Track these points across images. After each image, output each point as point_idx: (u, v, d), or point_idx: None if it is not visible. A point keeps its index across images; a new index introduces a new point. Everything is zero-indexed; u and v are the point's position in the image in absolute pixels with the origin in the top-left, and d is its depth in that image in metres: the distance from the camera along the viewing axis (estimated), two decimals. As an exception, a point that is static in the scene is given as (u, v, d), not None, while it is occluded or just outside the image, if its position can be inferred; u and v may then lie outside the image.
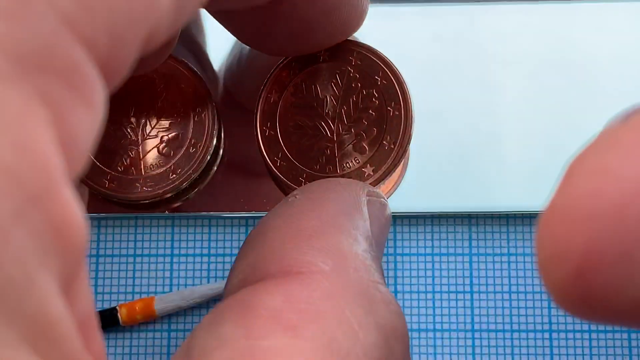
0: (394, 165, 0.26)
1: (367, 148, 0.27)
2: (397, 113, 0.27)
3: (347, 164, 0.26)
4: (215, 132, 0.27)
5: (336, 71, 0.27)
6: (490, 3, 0.29)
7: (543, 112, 0.28)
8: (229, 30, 0.23)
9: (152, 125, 0.27)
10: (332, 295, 0.16)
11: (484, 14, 0.29)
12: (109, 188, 0.27)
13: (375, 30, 0.29)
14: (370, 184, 0.26)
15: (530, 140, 0.28)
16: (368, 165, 0.26)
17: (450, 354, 0.27)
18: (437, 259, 0.28)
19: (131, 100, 0.27)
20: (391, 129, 0.27)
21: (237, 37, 0.22)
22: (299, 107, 0.27)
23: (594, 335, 0.27)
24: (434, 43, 0.29)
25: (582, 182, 0.14)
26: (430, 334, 0.28)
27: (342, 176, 0.26)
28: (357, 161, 0.26)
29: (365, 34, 0.29)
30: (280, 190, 0.27)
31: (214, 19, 0.22)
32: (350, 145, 0.27)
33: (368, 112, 0.27)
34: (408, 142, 0.26)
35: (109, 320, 0.27)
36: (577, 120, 0.28)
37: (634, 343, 0.27)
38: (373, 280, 0.18)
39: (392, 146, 0.26)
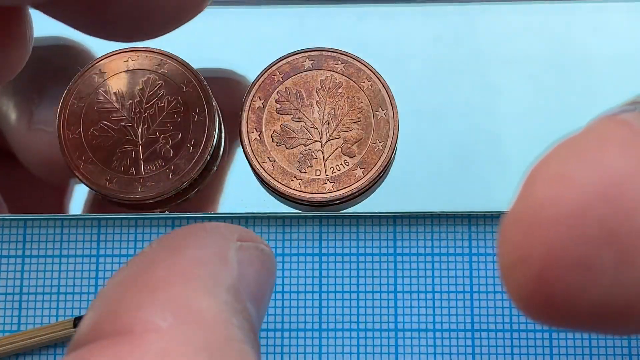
0: (385, 168, 0.27)
1: (356, 151, 0.27)
2: (384, 116, 0.27)
3: (337, 167, 0.27)
4: (215, 132, 0.27)
5: (321, 78, 0.27)
6: (490, 3, 0.29)
7: (543, 112, 0.28)
8: (63, 21, 0.21)
9: (152, 125, 0.27)
10: (167, 355, 0.15)
11: (484, 14, 0.29)
12: (109, 188, 0.27)
13: (375, 30, 0.29)
14: (361, 185, 0.26)
15: (530, 140, 0.28)
16: (358, 167, 0.27)
17: (450, 354, 0.27)
18: (437, 259, 0.28)
19: (131, 101, 0.27)
20: (379, 132, 0.27)
21: (74, 27, 0.21)
22: (284, 113, 0.27)
23: (593, 336, 0.27)
24: (434, 43, 0.29)
25: (541, 189, 0.14)
26: (430, 334, 0.28)
27: (332, 179, 0.26)
28: (347, 164, 0.27)
29: (365, 34, 0.29)
30: (271, 195, 0.27)
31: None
32: (339, 149, 0.27)
33: (355, 117, 0.27)
34: (396, 144, 0.27)
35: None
36: (577, 120, 0.28)
37: (633, 343, 0.27)
38: (228, 337, 0.16)
39: (382, 148, 0.27)
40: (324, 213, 0.28)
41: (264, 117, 0.27)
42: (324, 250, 0.28)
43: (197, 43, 0.29)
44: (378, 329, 0.28)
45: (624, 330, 0.15)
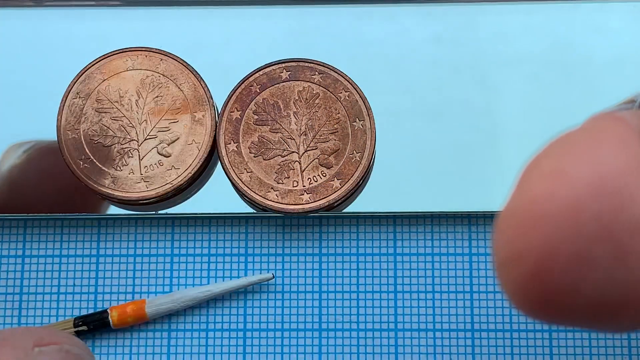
0: (362, 178, 0.27)
1: (333, 162, 0.27)
2: (361, 127, 0.27)
3: (314, 178, 0.27)
4: (214, 132, 0.27)
5: (298, 89, 0.27)
6: (490, 3, 0.29)
7: (543, 112, 0.28)
8: None
9: (152, 125, 0.27)
10: None
11: (484, 14, 0.29)
12: (109, 188, 0.27)
13: (375, 30, 0.29)
14: (338, 197, 0.26)
15: (529, 140, 0.28)
16: (335, 178, 0.27)
17: (450, 353, 0.27)
18: (437, 259, 0.28)
19: (130, 101, 0.27)
20: (356, 142, 0.27)
21: None
22: (262, 124, 0.27)
23: (593, 335, 0.27)
24: (434, 43, 0.29)
25: (537, 185, 0.14)
26: (430, 334, 0.28)
27: (309, 190, 0.26)
28: (324, 175, 0.27)
29: (365, 34, 0.29)
30: (248, 206, 0.27)
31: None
32: (316, 160, 0.27)
33: (332, 127, 0.27)
34: (374, 154, 0.27)
35: (99, 323, 0.27)
36: (577, 120, 0.28)
37: (633, 343, 0.27)
38: None
39: (359, 159, 0.27)
40: (324, 213, 0.27)
41: (241, 128, 0.27)
42: (324, 250, 0.28)
43: (197, 43, 0.29)
44: (378, 329, 0.28)
45: (618, 326, 0.15)
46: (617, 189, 0.13)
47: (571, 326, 0.15)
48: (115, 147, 0.27)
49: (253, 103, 0.27)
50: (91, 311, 0.28)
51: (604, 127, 0.14)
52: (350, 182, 0.27)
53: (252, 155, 0.27)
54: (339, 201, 0.27)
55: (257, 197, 0.26)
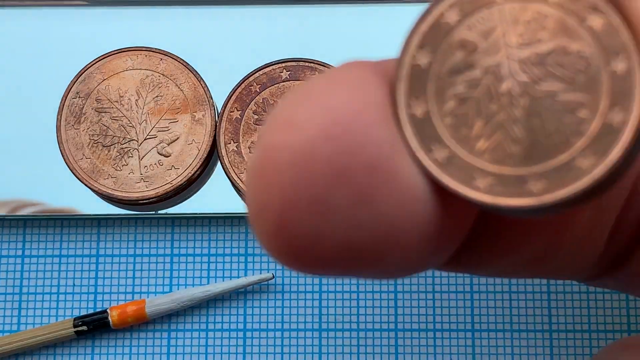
0: None
1: None
2: None
3: None
4: (214, 132, 0.27)
5: None
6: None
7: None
8: None
9: (152, 125, 0.27)
10: None
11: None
12: (109, 188, 0.27)
13: (375, 30, 0.29)
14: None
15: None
16: None
17: (450, 354, 0.27)
18: (437, 258, 0.28)
19: (130, 100, 0.27)
20: None
21: None
22: (262, 124, 0.27)
23: (594, 335, 0.27)
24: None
25: (271, 135, 0.14)
26: (430, 334, 0.28)
27: None
28: None
29: (365, 34, 0.29)
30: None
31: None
32: None
33: None
34: None
35: (99, 323, 0.27)
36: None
37: (634, 343, 0.27)
38: None
39: None
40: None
41: (241, 128, 0.27)
42: (323, 250, 0.28)
43: (197, 43, 0.29)
44: (378, 329, 0.28)
45: (385, 272, 0.15)
46: (350, 130, 0.13)
47: (335, 274, 0.15)
48: (115, 147, 0.27)
49: (253, 103, 0.27)
50: (91, 311, 0.28)
51: (341, 72, 0.14)
52: None
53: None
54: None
55: None
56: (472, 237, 0.16)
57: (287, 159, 0.13)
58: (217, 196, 0.28)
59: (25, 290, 0.28)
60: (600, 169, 0.13)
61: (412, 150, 0.14)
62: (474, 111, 0.14)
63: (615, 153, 0.13)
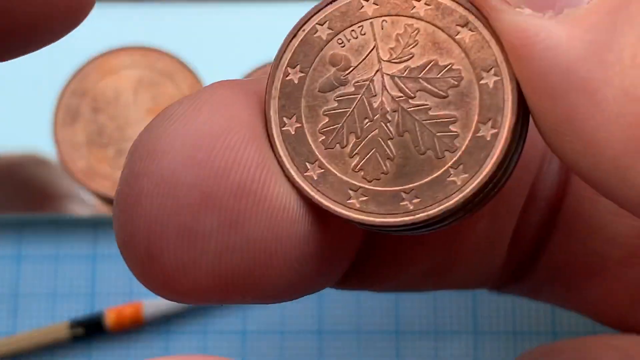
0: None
1: None
2: None
3: None
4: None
5: None
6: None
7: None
8: None
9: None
10: None
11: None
12: (106, 188, 0.27)
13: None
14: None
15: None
16: None
17: (452, 356, 0.27)
18: (438, 260, 0.28)
19: (127, 99, 0.27)
20: None
21: None
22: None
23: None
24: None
25: (133, 164, 0.13)
26: (432, 337, 0.27)
27: None
28: None
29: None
30: None
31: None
32: None
33: None
34: None
35: (96, 325, 0.27)
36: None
37: (638, 345, 0.27)
38: None
39: None
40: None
41: None
42: (323, 251, 0.28)
43: (194, 41, 0.29)
44: (379, 332, 0.27)
45: (254, 298, 0.14)
46: (214, 154, 0.13)
47: (214, 302, 0.14)
48: (111, 147, 0.27)
49: None
50: (87, 313, 0.28)
51: (205, 93, 0.14)
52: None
53: None
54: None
55: None
56: (365, 254, 0.16)
57: (150, 188, 0.13)
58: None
59: (20, 292, 0.28)
60: (474, 184, 0.13)
61: (285, 169, 0.14)
62: (348, 128, 0.14)
63: (489, 167, 0.13)
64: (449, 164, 0.14)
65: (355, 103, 0.14)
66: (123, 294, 0.28)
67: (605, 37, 0.11)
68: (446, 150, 0.14)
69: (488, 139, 0.13)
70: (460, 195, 0.13)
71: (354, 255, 0.15)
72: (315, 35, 0.14)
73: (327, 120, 0.14)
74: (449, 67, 0.14)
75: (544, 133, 0.13)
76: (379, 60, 0.14)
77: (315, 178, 0.14)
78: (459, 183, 0.14)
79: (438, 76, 0.14)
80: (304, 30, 0.14)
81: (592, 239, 0.17)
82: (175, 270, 0.13)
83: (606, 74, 0.11)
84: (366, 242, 0.16)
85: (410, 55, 0.14)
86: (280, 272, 0.14)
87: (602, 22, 0.11)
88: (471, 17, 0.14)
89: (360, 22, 0.14)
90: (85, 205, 0.28)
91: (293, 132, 0.14)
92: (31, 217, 0.28)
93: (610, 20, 0.11)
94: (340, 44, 0.14)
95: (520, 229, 0.17)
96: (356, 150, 0.14)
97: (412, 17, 0.14)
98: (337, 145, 0.14)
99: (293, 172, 0.14)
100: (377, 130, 0.14)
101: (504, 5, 0.12)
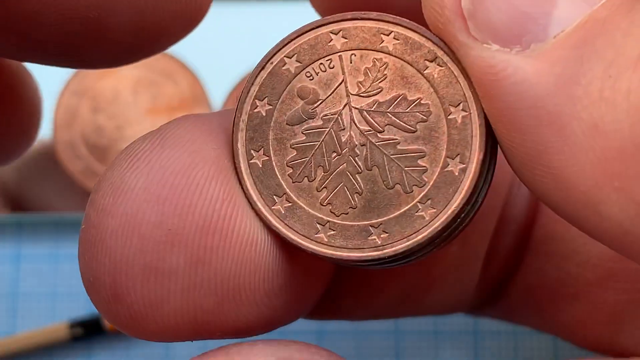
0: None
1: None
2: None
3: None
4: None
5: None
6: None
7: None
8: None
9: (149, 124, 0.27)
10: None
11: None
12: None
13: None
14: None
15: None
16: None
17: (452, 356, 0.27)
18: (438, 259, 0.28)
19: (126, 99, 0.27)
20: None
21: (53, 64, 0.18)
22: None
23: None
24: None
25: (98, 201, 0.13)
26: (432, 336, 0.27)
27: None
28: None
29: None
30: None
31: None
32: None
33: None
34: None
35: (95, 325, 0.27)
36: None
37: None
38: None
39: None
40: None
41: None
42: (323, 251, 0.28)
43: (193, 41, 0.29)
44: (378, 331, 0.27)
45: (225, 333, 0.14)
46: (179, 191, 0.13)
47: (184, 339, 0.14)
48: (111, 147, 0.27)
49: None
50: (87, 313, 0.28)
51: (169, 129, 0.14)
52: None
53: None
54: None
55: None
56: (336, 285, 0.15)
57: (115, 226, 0.13)
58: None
59: (19, 291, 0.28)
60: (442, 219, 0.14)
61: (253, 202, 0.14)
62: (316, 161, 0.14)
63: (457, 202, 0.14)
64: (417, 198, 0.14)
65: (323, 136, 0.14)
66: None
67: (572, 71, 0.11)
68: (414, 184, 0.14)
69: (456, 174, 0.14)
70: (428, 231, 0.14)
71: (325, 287, 0.15)
72: (283, 68, 0.14)
73: (295, 154, 0.14)
74: (417, 101, 0.14)
75: (514, 166, 0.13)
76: (348, 93, 0.14)
77: (283, 212, 0.14)
78: (427, 218, 0.14)
79: (406, 110, 0.14)
80: (272, 63, 0.14)
81: (565, 261, 0.17)
82: (142, 309, 0.13)
83: (574, 108, 0.11)
84: (337, 273, 0.16)
85: (379, 89, 0.14)
86: (249, 306, 0.14)
87: (568, 56, 0.11)
88: (440, 52, 0.14)
89: (329, 55, 0.14)
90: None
91: (261, 165, 0.14)
92: (31, 217, 0.28)
93: (576, 54, 0.11)
94: (308, 77, 0.14)
95: (493, 252, 0.17)
96: (324, 184, 0.14)
97: (381, 51, 0.14)
98: (305, 178, 0.14)
99: (260, 206, 0.14)
100: (345, 164, 0.14)
101: (471, 41, 0.12)
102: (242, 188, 0.14)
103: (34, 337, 0.27)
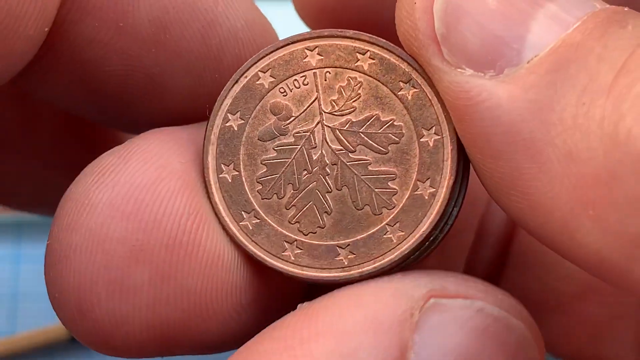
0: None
1: None
2: None
3: None
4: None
5: None
6: None
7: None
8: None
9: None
10: None
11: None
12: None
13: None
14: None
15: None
16: None
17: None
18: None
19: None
20: None
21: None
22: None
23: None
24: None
25: (64, 217, 0.13)
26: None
27: None
28: None
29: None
30: None
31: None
32: None
33: None
34: None
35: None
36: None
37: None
38: None
39: None
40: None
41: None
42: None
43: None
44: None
45: (194, 349, 0.14)
46: (144, 206, 0.13)
47: (154, 355, 0.14)
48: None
49: None
50: (86, 314, 0.28)
51: (136, 144, 0.14)
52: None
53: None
54: None
55: None
56: (308, 297, 0.16)
57: (79, 242, 0.13)
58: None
59: (19, 292, 0.28)
60: (409, 242, 0.14)
61: (221, 217, 0.14)
62: (286, 178, 0.14)
63: (425, 226, 0.14)
64: (386, 221, 0.14)
65: (294, 154, 0.14)
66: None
67: (545, 97, 0.11)
68: (384, 207, 0.14)
69: (426, 197, 0.14)
70: (396, 254, 0.14)
71: (298, 300, 0.15)
72: (257, 83, 0.14)
73: (265, 170, 0.14)
74: (390, 122, 0.14)
75: (489, 190, 0.13)
76: (321, 111, 0.14)
77: (251, 228, 0.14)
78: (395, 241, 0.14)
79: (379, 131, 0.14)
80: (245, 77, 0.14)
81: (546, 274, 0.17)
82: (108, 325, 0.13)
83: (549, 134, 0.11)
84: (308, 290, 0.16)
85: (352, 109, 0.14)
86: (217, 322, 0.14)
87: (542, 82, 0.11)
88: (414, 74, 0.14)
89: (303, 71, 0.14)
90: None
91: (230, 180, 0.14)
92: (31, 217, 0.28)
93: (550, 80, 0.11)
94: (282, 92, 0.14)
95: (471, 265, 0.17)
96: (293, 202, 0.14)
97: (356, 70, 0.14)
98: (275, 195, 0.14)
99: (228, 221, 0.14)
100: (315, 183, 0.14)
101: (445, 65, 0.12)
102: (211, 202, 0.14)
103: (34, 337, 0.27)
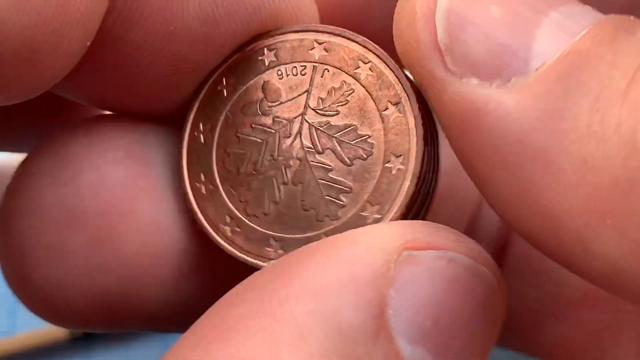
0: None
1: None
2: None
3: None
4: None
5: None
6: None
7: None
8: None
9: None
10: None
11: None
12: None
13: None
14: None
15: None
16: None
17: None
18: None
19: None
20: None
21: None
22: None
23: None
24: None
25: (10, 184, 0.14)
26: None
27: None
28: None
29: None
30: None
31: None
32: None
33: None
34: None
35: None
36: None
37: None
38: None
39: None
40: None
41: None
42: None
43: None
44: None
45: (133, 323, 0.14)
46: (82, 173, 0.13)
47: (103, 326, 0.15)
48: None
49: None
50: (86, 314, 0.28)
51: (86, 122, 0.14)
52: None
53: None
54: None
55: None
56: None
57: (20, 207, 0.13)
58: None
59: (19, 292, 0.28)
60: None
61: (182, 172, 0.14)
62: (251, 157, 0.14)
63: None
64: (324, 229, 0.14)
65: (267, 136, 0.14)
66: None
67: (556, 105, 0.11)
68: (327, 215, 0.14)
69: (368, 222, 0.13)
70: None
71: (239, 277, 0.15)
72: (260, 58, 0.14)
73: (236, 142, 0.14)
74: (365, 138, 0.14)
75: (495, 205, 0.12)
76: (306, 105, 0.14)
77: (204, 192, 0.14)
78: None
79: (351, 142, 0.14)
80: (253, 50, 0.14)
81: (544, 282, 0.17)
82: (48, 290, 0.13)
83: (562, 143, 0.11)
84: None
85: (336, 112, 0.14)
86: (156, 290, 0.14)
87: (552, 90, 0.11)
88: (404, 99, 0.13)
89: (305, 62, 0.14)
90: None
91: (202, 141, 0.14)
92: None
93: (560, 88, 0.11)
94: (279, 75, 0.14)
95: None
96: (249, 181, 0.14)
97: (353, 76, 0.14)
98: (236, 169, 0.14)
99: (186, 178, 0.14)
100: (274, 171, 0.14)
101: (449, 76, 0.12)
102: (178, 160, 0.14)
103: (34, 337, 0.27)
